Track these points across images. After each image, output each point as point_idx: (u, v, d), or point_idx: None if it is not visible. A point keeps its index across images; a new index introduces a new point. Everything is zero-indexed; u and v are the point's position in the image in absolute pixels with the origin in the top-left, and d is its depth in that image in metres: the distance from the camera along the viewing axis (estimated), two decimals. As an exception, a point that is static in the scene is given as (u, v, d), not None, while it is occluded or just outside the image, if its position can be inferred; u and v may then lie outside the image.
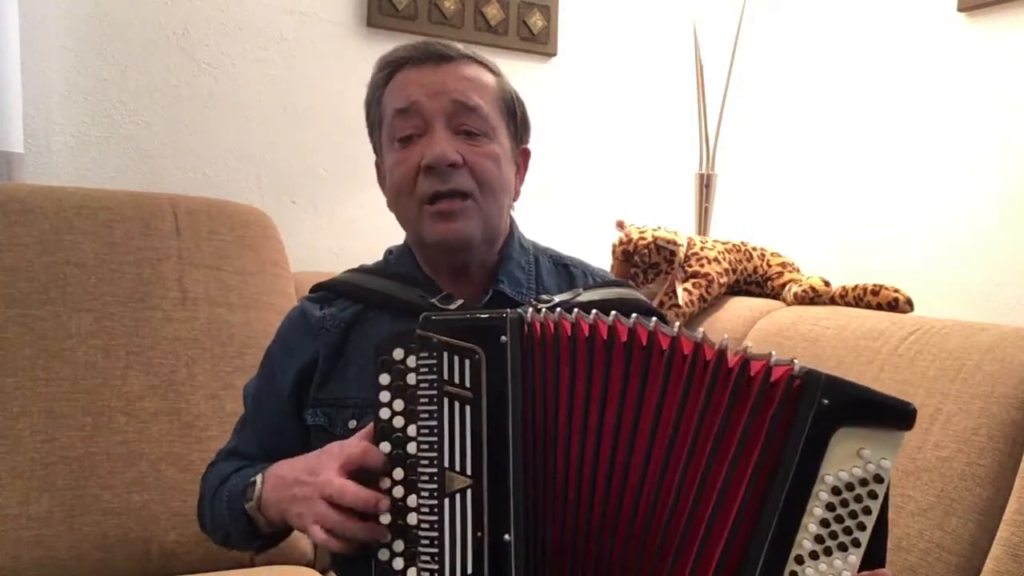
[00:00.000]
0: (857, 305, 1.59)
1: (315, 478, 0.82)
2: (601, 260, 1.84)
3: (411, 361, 0.79)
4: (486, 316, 0.81)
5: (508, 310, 0.79)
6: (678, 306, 1.73)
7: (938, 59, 1.82)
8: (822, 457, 0.70)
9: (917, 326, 1.35)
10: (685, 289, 1.75)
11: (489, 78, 1.01)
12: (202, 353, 1.51)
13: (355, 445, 0.81)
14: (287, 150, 1.88)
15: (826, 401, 0.70)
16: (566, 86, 2.16)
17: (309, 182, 1.92)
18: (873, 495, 0.70)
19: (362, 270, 1.09)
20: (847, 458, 0.70)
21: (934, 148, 1.83)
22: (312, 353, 1.02)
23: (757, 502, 0.72)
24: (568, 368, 0.77)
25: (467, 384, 0.77)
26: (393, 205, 1.03)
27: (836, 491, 0.70)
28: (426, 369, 0.78)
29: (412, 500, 0.77)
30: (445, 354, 0.77)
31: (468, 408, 0.76)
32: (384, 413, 0.79)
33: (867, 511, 0.71)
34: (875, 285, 1.58)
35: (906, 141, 1.89)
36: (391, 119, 0.99)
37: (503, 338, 0.77)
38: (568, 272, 1.10)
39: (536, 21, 2.09)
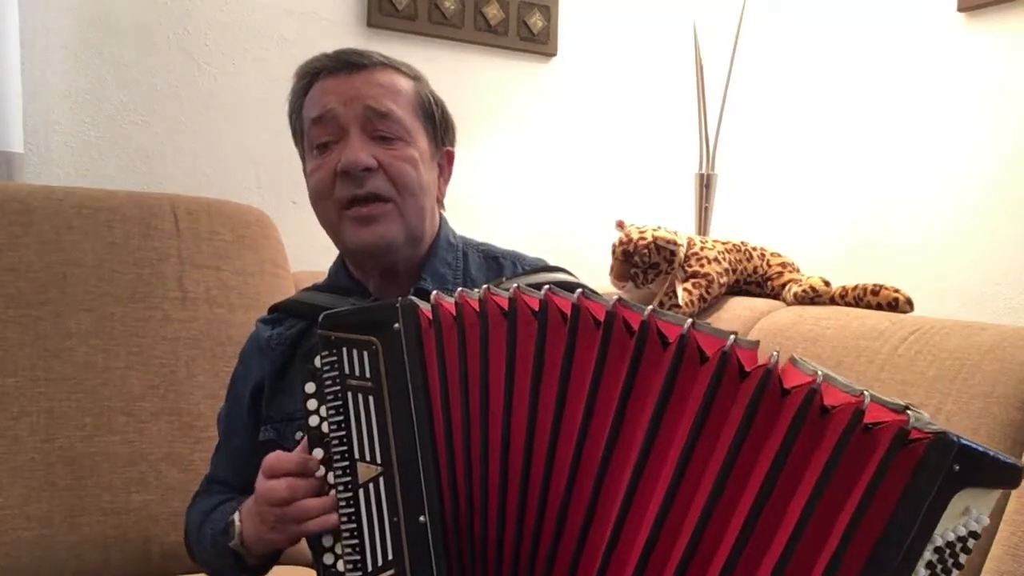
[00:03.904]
0: (857, 305, 1.59)
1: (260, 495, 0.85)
2: (601, 260, 1.85)
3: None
4: (377, 306, 0.82)
5: (400, 298, 0.81)
6: (678, 306, 1.73)
7: (938, 59, 1.82)
8: (939, 519, 0.68)
9: (917, 326, 1.35)
10: (685, 289, 1.75)
11: (404, 83, 1.02)
12: (202, 353, 1.51)
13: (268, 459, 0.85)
14: (287, 150, 1.84)
15: (957, 467, 0.67)
16: (566, 86, 2.15)
17: (309, 182, 1.91)
18: (966, 551, 0.69)
19: (311, 288, 1.12)
20: (955, 517, 0.68)
21: (934, 148, 1.83)
22: (262, 372, 1.05)
23: (859, 560, 0.68)
24: (480, 345, 0.77)
25: (367, 375, 0.78)
26: (314, 209, 1.04)
27: (939, 550, 0.69)
28: (329, 367, 0.79)
29: None
30: (344, 349, 0.79)
31: (371, 398, 0.78)
32: (313, 420, 0.81)
33: (958, 566, 0.69)
34: (875, 285, 1.58)
35: (906, 141, 1.89)
36: (309, 128, 1.02)
37: (396, 325, 0.79)
38: (498, 264, 1.11)
39: (536, 21, 2.09)
